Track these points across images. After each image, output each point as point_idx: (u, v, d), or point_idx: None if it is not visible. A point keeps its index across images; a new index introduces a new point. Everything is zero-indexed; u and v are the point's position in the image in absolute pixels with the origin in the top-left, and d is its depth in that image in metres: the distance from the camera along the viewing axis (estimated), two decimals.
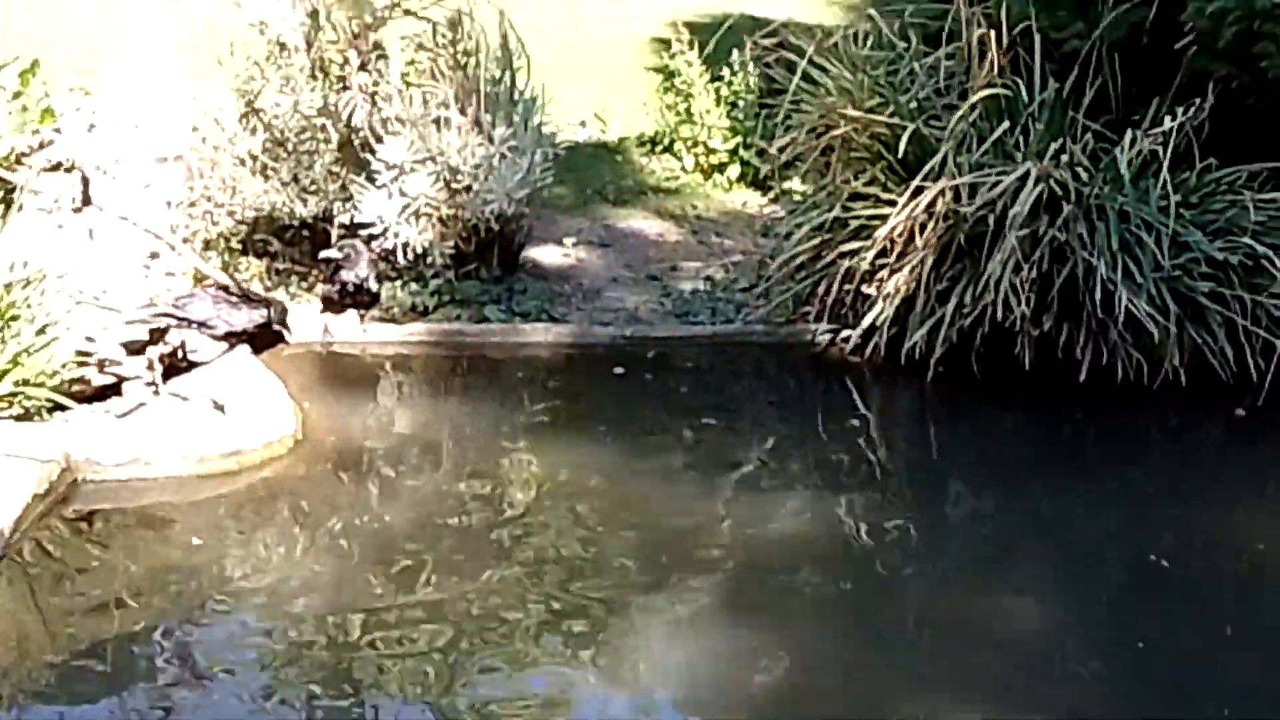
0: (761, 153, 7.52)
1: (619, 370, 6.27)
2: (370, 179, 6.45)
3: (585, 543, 5.08)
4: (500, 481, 5.51)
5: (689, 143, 8.16)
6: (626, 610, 4.73)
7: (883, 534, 5.33)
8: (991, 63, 6.27)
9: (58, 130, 7.60)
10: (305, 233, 6.73)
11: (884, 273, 6.31)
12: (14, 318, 5.37)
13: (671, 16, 9.71)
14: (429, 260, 6.49)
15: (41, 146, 7.50)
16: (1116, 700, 4.40)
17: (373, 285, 6.22)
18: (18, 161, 7.04)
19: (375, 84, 6.53)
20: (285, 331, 6.14)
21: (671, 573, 4.94)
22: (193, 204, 6.71)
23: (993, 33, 6.36)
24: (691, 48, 8.18)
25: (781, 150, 6.88)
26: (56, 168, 7.27)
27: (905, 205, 6.20)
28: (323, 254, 6.40)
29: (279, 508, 5.22)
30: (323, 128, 6.47)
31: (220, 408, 5.55)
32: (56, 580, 4.78)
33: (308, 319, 6.34)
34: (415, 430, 5.90)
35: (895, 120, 6.36)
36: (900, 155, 6.32)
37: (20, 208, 5.75)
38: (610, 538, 5.12)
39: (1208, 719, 4.35)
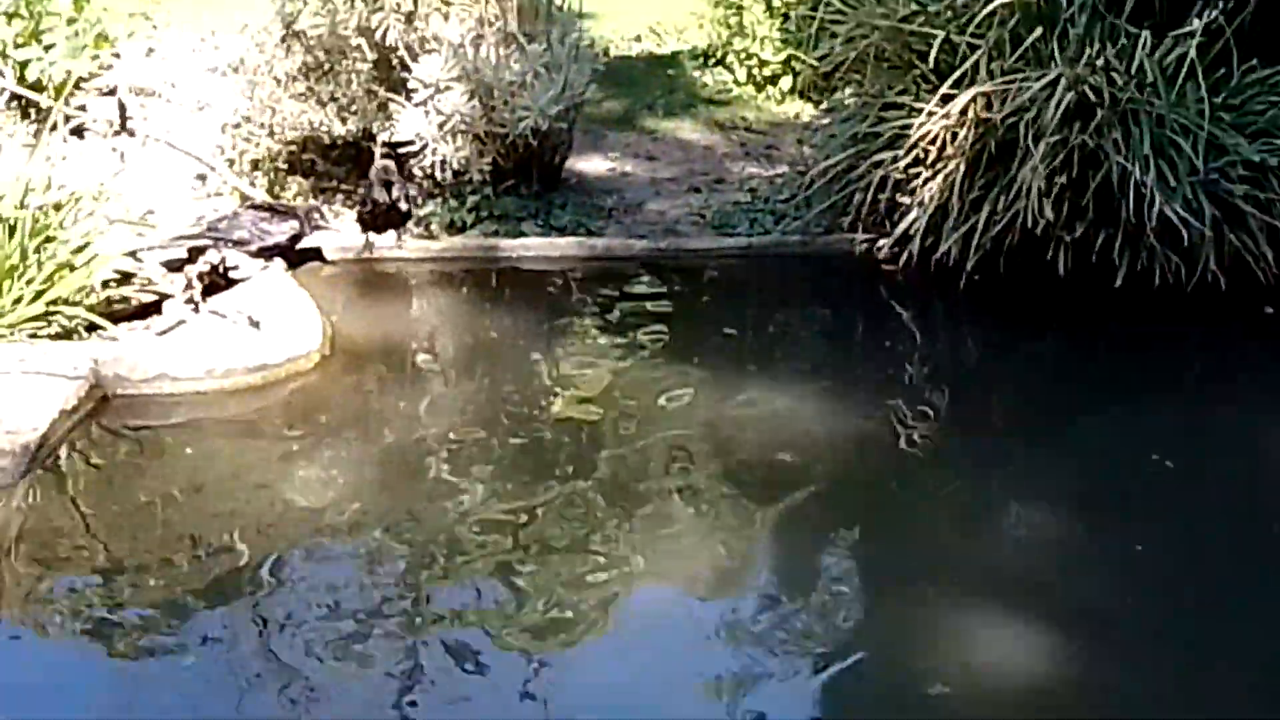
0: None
1: (642, 278, 6.33)
2: (408, 97, 6.51)
3: (624, 445, 5.15)
4: (524, 391, 5.55)
5: (741, 55, 8.17)
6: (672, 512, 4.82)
7: (912, 438, 5.36)
8: None
9: (116, 55, 7.77)
10: (350, 151, 6.84)
11: (917, 181, 6.30)
12: (50, 238, 5.51)
13: None
14: (467, 177, 6.56)
15: (102, 71, 7.69)
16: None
17: (403, 205, 6.29)
18: (76, 86, 7.19)
19: (410, 2, 6.57)
20: (318, 246, 6.23)
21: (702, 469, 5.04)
22: (237, 125, 6.85)
23: None
24: None
25: (821, 60, 6.86)
26: (112, 92, 7.44)
27: (936, 113, 6.16)
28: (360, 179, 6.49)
29: (296, 421, 5.33)
30: (358, 47, 6.54)
31: (255, 324, 5.66)
32: (82, 490, 4.94)
33: (347, 236, 6.44)
34: (439, 342, 5.99)
35: (926, 28, 6.30)
36: (932, 64, 6.27)
37: (54, 129, 5.85)
38: (643, 438, 5.18)
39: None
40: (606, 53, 8.16)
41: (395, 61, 6.61)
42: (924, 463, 5.25)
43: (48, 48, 7.11)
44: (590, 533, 4.67)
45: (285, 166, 6.83)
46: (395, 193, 6.29)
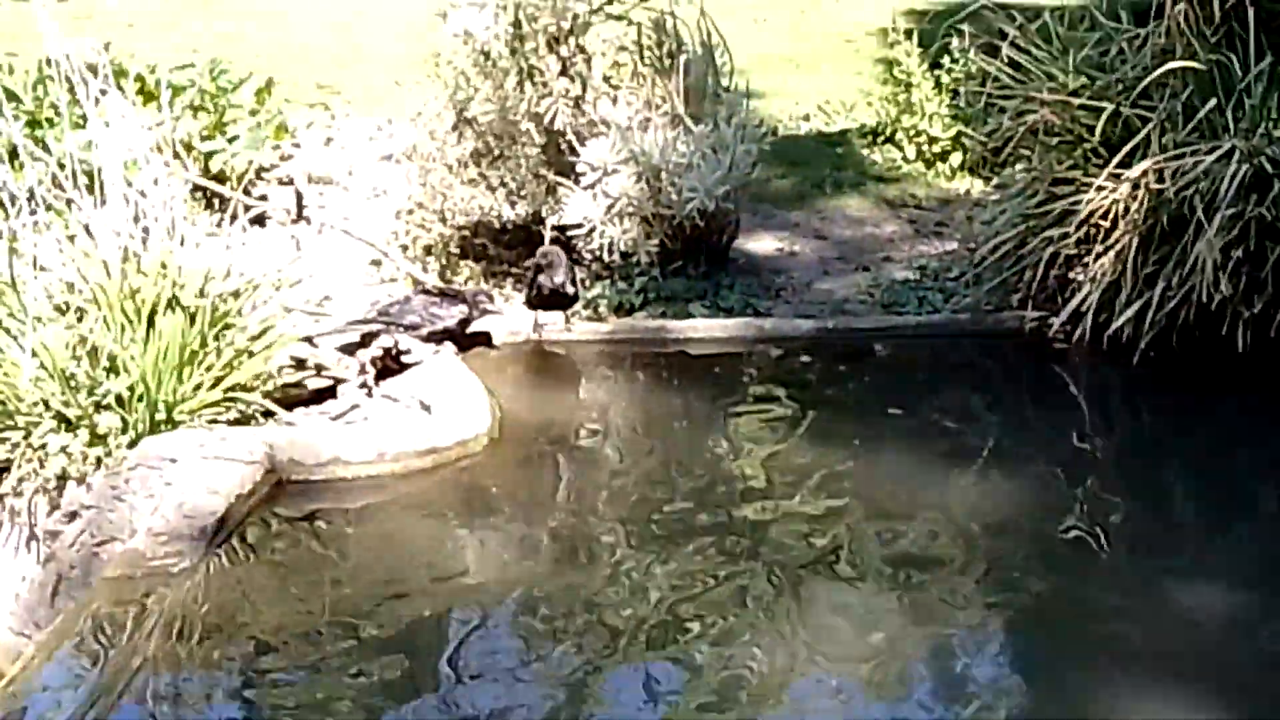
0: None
1: (811, 358, 6.31)
2: (576, 181, 6.60)
3: (789, 529, 5.11)
4: (693, 475, 5.55)
5: (910, 131, 8.15)
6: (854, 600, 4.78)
7: (1087, 519, 5.25)
8: (1190, 37, 6.09)
9: (296, 145, 7.99)
10: (520, 235, 6.94)
11: (1089, 257, 6.21)
12: (229, 325, 5.66)
13: (904, 6, 9.76)
14: (635, 259, 6.61)
15: (282, 161, 7.91)
16: None
17: (569, 289, 6.35)
18: (257, 176, 7.41)
19: (579, 87, 6.67)
20: (488, 330, 6.32)
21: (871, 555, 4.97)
22: (410, 212, 6.99)
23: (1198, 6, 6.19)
24: (910, 37, 8.16)
25: (990, 136, 6.82)
26: (291, 182, 7.65)
27: (1107, 188, 6.09)
28: (528, 262, 6.57)
29: (466, 503, 5.39)
30: (526, 132, 6.64)
31: (427, 408, 5.75)
32: (257, 571, 5.04)
33: (516, 319, 6.53)
34: (607, 426, 6.01)
35: (1095, 102, 6.23)
36: (1102, 137, 6.20)
37: (234, 218, 6.03)
38: (808, 522, 5.15)
39: None
40: (774, 132, 8.19)
41: (564, 145, 6.70)
42: (1098, 545, 5.13)
43: (231, 139, 7.33)
44: (757, 616, 4.63)
45: (457, 251, 6.94)
46: (561, 276, 6.35)
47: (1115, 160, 6.06)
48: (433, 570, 5.06)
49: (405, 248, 6.92)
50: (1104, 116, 6.12)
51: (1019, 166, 6.76)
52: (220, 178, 7.17)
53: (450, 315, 6.13)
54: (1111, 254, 6.13)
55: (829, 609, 4.71)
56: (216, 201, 6.86)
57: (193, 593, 4.82)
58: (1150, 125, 6.12)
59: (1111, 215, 6.11)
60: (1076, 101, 6.28)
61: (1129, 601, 4.75)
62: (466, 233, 6.97)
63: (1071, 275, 6.27)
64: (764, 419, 5.94)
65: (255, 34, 9.94)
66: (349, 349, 6.02)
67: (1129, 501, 5.38)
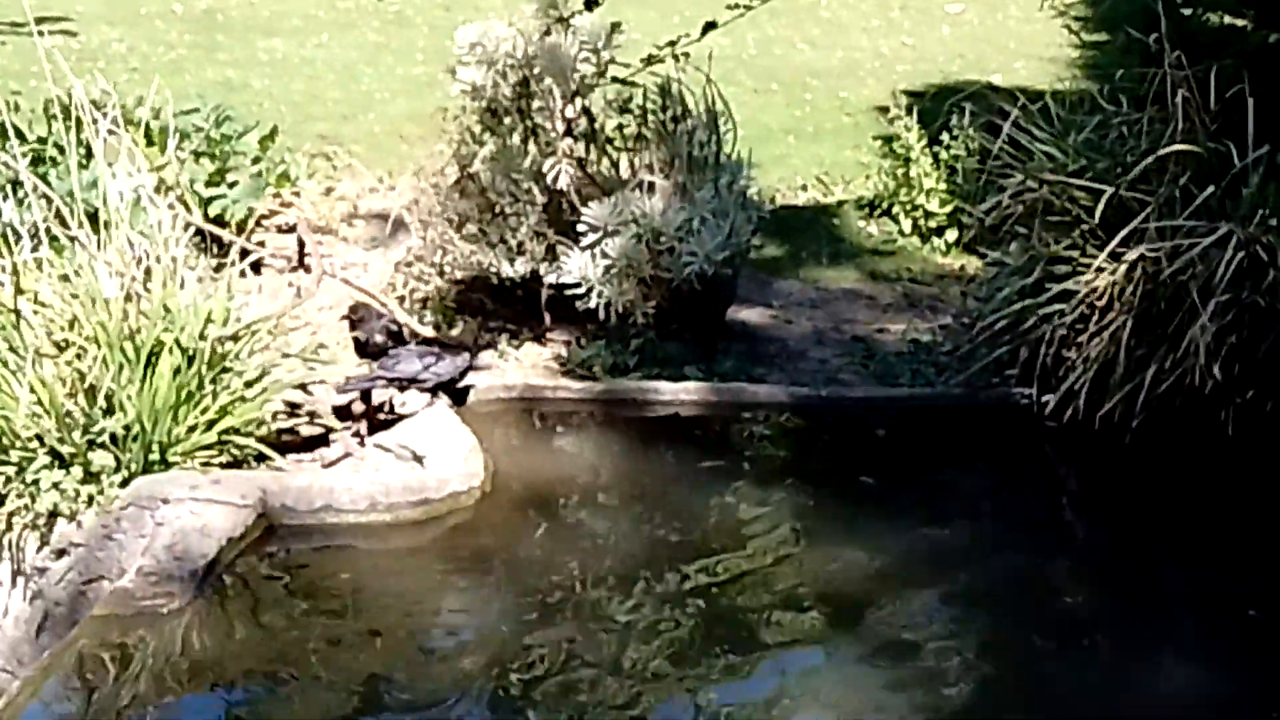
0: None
1: (802, 426, 6.34)
2: (576, 240, 6.63)
3: (770, 597, 5.17)
4: (681, 536, 5.57)
5: (907, 206, 8.20)
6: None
7: (1073, 598, 5.32)
8: (1191, 123, 6.16)
9: (296, 194, 8.02)
10: (518, 292, 6.96)
11: (1083, 337, 6.25)
12: (226, 369, 5.67)
13: (904, 83, 9.86)
14: (631, 320, 6.64)
15: (283, 208, 7.93)
16: None
17: (379, 340, 6.43)
18: (257, 223, 7.44)
19: (583, 148, 6.72)
20: (479, 384, 6.33)
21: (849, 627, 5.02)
22: (409, 264, 7.02)
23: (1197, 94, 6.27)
24: (910, 114, 8.24)
25: (987, 214, 6.87)
26: (291, 229, 7.68)
27: (1103, 270, 6.13)
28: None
29: (460, 556, 5.40)
30: (528, 190, 6.68)
31: (419, 459, 5.76)
32: (246, 616, 5.04)
33: (511, 374, 6.54)
34: (598, 483, 6.02)
35: (1094, 184, 6.29)
36: (1100, 218, 6.26)
37: (234, 264, 6.05)
38: (799, 591, 5.19)
39: None
40: (773, 200, 8.25)
41: (565, 205, 6.73)
42: (1084, 628, 5.17)
43: (232, 185, 7.35)
44: (745, 679, 4.65)
45: (454, 305, 6.96)
46: (375, 331, 6.41)
47: (1114, 242, 6.09)
48: (418, 620, 5.08)
49: (402, 299, 6.94)
50: (1104, 198, 6.17)
51: (1015, 244, 6.80)
52: (219, 223, 7.19)
53: (445, 368, 6.13)
54: (1106, 334, 6.16)
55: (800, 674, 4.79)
56: (215, 246, 6.88)
57: (181, 634, 4.82)
58: (1148, 209, 6.16)
59: (1107, 296, 6.15)
60: (1076, 182, 6.33)
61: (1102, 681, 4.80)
62: (464, 287, 7.00)
63: (1065, 354, 6.30)
64: (749, 486, 5.95)
65: (258, 82, 9.99)
66: (343, 399, 6.02)
67: (1103, 582, 5.45)
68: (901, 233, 8.20)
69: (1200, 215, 6.15)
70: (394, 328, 6.51)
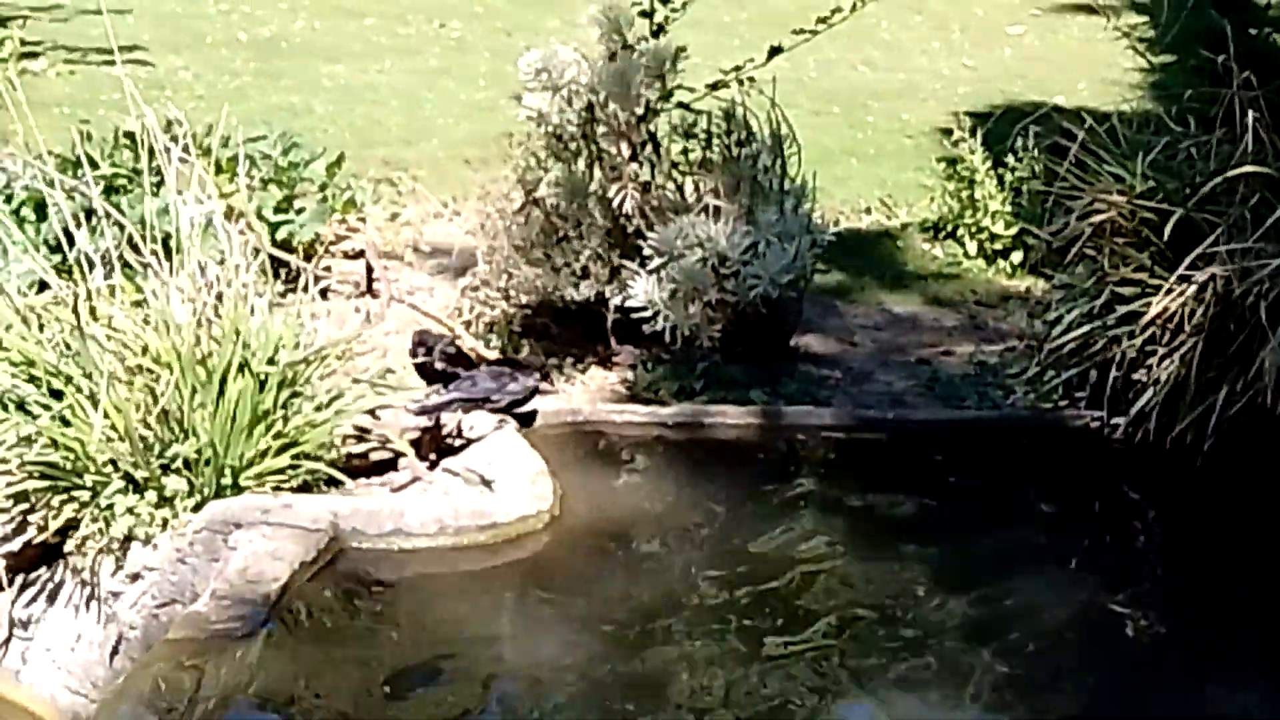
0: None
1: (867, 448, 6.34)
2: (641, 264, 6.65)
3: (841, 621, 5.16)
4: (753, 559, 5.55)
5: (972, 228, 8.18)
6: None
7: (1141, 626, 5.31)
8: (1261, 144, 6.13)
9: (363, 219, 8.09)
10: (582, 316, 6.98)
11: (1153, 359, 6.22)
12: (296, 394, 5.70)
13: (966, 105, 9.85)
14: (697, 343, 6.65)
15: (349, 234, 8.00)
16: None
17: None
18: (325, 249, 7.50)
19: (648, 173, 6.74)
20: (548, 408, 6.34)
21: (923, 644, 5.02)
22: (475, 289, 7.05)
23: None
24: (974, 135, 8.23)
25: (1054, 236, 6.85)
26: (359, 255, 7.73)
27: (1172, 291, 6.11)
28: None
29: (524, 579, 5.41)
30: (594, 215, 6.70)
31: (488, 483, 5.77)
32: (318, 641, 5.07)
33: (578, 398, 6.56)
34: (668, 508, 6.00)
35: (1162, 205, 6.27)
36: (1168, 240, 6.23)
37: (305, 289, 6.09)
38: (870, 613, 5.19)
39: None
40: (836, 224, 8.23)
41: (630, 229, 6.75)
42: (1152, 652, 5.13)
43: (299, 211, 7.42)
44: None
45: (519, 329, 6.99)
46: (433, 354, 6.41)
47: (1184, 265, 6.06)
48: (489, 647, 5.08)
49: (469, 323, 6.97)
50: (1172, 220, 6.14)
51: (1081, 266, 6.78)
52: (286, 248, 7.24)
53: (513, 391, 6.15)
54: (1176, 356, 6.14)
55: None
56: (283, 271, 6.93)
57: (254, 659, 4.84)
58: (1218, 230, 6.14)
59: (1176, 318, 6.12)
60: (1144, 204, 6.30)
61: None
62: (529, 311, 7.03)
63: (1134, 376, 6.27)
64: (815, 508, 5.91)
65: (321, 108, 10.07)
66: (412, 423, 6.05)
67: (1169, 606, 5.43)
68: (966, 255, 8.18)
69: (1270, 237, 6.12)
70: (452, 350, 6.51)
